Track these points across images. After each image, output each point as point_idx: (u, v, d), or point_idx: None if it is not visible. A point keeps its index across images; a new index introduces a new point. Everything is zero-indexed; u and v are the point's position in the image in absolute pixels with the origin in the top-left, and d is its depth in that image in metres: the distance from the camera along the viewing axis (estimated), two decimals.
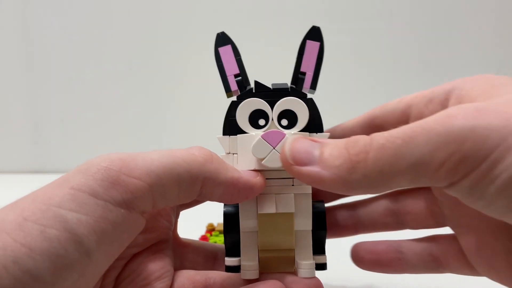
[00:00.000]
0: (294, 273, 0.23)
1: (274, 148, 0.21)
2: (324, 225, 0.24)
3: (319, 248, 0.24)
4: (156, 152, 0.18)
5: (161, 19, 0.75)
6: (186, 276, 0.24)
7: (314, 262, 0.23)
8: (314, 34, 0.24)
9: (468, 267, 0.23)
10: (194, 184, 0.19)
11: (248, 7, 0.72)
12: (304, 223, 0.23)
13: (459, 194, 0.17)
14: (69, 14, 0.75)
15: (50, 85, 0.77)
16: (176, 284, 0.24)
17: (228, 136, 0.23)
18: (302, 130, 0.23)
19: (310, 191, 0.23)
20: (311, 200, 0.23)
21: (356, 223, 0.27)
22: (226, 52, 0.24)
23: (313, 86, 0.24)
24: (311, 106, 0.23)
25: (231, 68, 0.24)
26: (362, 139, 0.18)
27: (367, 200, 0.27)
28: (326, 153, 0.18)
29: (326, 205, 0.25)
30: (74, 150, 0.78)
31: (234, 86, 0.24)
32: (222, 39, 0.24)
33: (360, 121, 0.26)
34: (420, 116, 0.22)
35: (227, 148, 0.23)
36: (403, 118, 0.24)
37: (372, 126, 0.25)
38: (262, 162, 0.22)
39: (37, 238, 0.15)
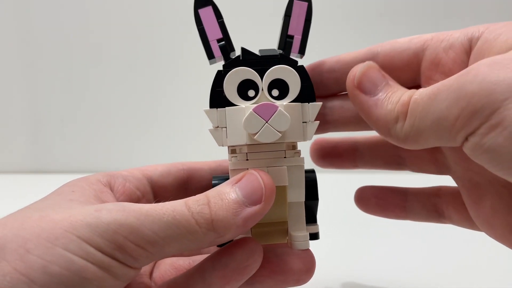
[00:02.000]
0: (287, 244, 0.23)
1: (267, 122, 0.20)
2: (316, 195, 0.23)
3: (311, 218, 0.23)
4: (162, 217, 0.18)
5: (162, 18, 0.75)
6: (169, 262, 0.25)
7: (308, 234, 0.22)
8: None
9: (468, 222, 0.24)
10: (201, 248, 0.20)
11: None
12: (297, 195, 0.22)
13: (471, 150, 0.17)
14: (69, 14, 0.75)
15: (50, 85, 0.77)
16: (158, 271, 0.24)
17: (215, 109, 0.21)
18: (294, 100, 0.22)
19: (303, 163, 0.22)
20: (304, 172, 0.22)
21: (356, 156, 0.27)
22: (207, 14, 0.22)
23: (302, 51, 0.22)
24: (303, 74, 0.22)
25: (214, 32, 0.22)
26: (415, 92, 0.19)
27: (372, 137, 0.27)
28: (386, 94, 0.20)
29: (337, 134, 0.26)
30: (74, 150, 0.78)
31: (217, 52, 0.22)
32: (202, 0, 0.22)
33: (360, 57, 0.24)
34: (438, 62, 0.22)
35: (215, 122, 0.22)
36: (414, 60, 0.23)
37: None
38: (255, 137, 0.20)
39: (38, 271, 0.15)
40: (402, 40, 0.23)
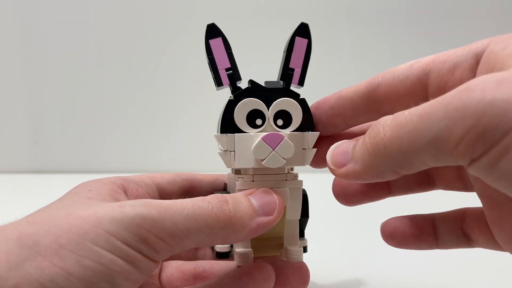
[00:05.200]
0: (280, 256, 0.25)
1: (274, 150, 0.22)
2: (307, 212, 0.26)
3: (300, 233, 0.26)
4: (182, 211, 0.19)
5: (161, 18, 0.75)
6: (175, 266, 0.26)
7: (301, 248, 0.25)
8: (303, 30, 0.24)
9: (493, 242, 0.23)
10: (213, 243, 0.21)
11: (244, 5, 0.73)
12: (294, 213, 0.24)
13: (481, 173, 0.16)
14: (69, 13, 0.75)
15: (50, 85, 0.77)
16: (165, 274, 0.26)
17: (226, 135, 0.23)
18: (296, 130, 0.24)
19: (302, 185, 0.24)
20: (301, 193, 0.25)
21: (390, 182, 0.26)
22: (217, 45, 0.24)
23: (301, 82, 0.24)
24: (304, 106, 0.24)
25: (223, 62, 0.24)
26: (382, 120, 0.18)
27: None
28: (356, 147, 0.19)
29: None
30: (74, 150, 0.78)
31: (226, 81, 0.24)
32: (213, 31, 0.24)
33: (361, 90, 0.23)
34: (444, 86, 0.20)
35: (225, 146, 0.23)
36: (419, 86, 0.21)
37: (375, 96, 0.22)
38: (263, 163, 0.22)
39: (74, 265, 0.16)
40: (402, 67, 0.22)
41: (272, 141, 0.22)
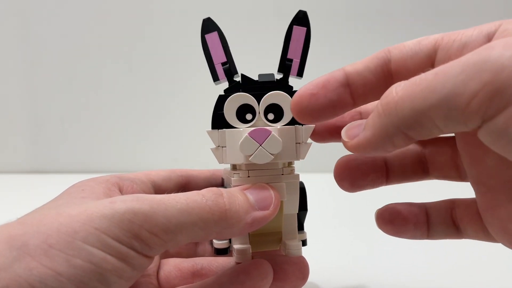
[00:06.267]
0: (279, 250, 0.25)
1: (260, 145, 0.22)
2: (305, 206, 0.26)
3: (299, 226, 0.26)
4: (175, 205, 0.19)
5: (161, 17, 0.75)
6: (173, 264, 0.26)
7: (300, 242, 0.24)
8: (301, 19, 0.23)
9: (483, 232, 0.22)
10: (207, 238, 0.20)
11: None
12: (292, 208, 0.24)
13: (492, 136, 0.15)
14: (69, 13, 0.75)
15: (50, 85, 0.77)
16: (163, 272, 0.26)
17: (217, 130, 0.23)
18: (288, 123, 0.23)
19: (298, 179, 0.24)
20: (298, 187, 0.24)
21: (387, 170, 0.25)
22: (212, 39, 0.23)
23: (300, 73, 0.24)
24: None
25: (219, 56, 0.24)
26: (395, 84, 0.17)
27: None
28: (369, 117, 0.18)
29: None
30: (74, 150, 0.78)
31: (222, 75, 0.24)
32: (208, 26, 0.23)
33: (372, 65, 0.22)
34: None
35: (216, 142, 0.23)
36: (428, 62, 0.21)
37: (387, 71, 0.21)
38: (250, 158, 0.22)
39: (63, 265, 0.16)
40: (409, 43, 0.21)
41: (259, 137, 0.22)
